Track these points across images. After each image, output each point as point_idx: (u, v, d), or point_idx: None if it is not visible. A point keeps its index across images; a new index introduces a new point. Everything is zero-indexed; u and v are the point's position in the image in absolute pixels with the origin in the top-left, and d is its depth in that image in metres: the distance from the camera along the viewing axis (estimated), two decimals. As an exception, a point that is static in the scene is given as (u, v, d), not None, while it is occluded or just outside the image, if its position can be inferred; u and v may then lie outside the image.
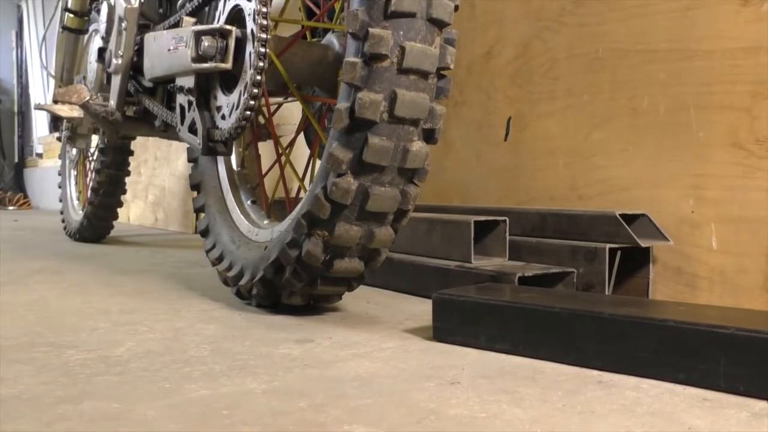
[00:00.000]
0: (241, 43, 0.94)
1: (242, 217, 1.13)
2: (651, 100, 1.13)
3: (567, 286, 1.03)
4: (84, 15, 1.73)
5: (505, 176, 1.38)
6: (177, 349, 0.77)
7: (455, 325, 0.80)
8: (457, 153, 1.49)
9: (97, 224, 2.04)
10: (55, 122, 2.13)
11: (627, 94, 1.16)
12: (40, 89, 4.97)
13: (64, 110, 1.55)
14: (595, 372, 0.68)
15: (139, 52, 1.20)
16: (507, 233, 1.13)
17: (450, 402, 0.59)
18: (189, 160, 1.29)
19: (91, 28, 1.64)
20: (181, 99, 1.06)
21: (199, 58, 0.96)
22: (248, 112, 0.93)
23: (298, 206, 0.93)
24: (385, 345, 0.80)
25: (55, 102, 1.59)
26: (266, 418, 0.54)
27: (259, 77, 0.90)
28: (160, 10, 1.25)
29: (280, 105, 1.39)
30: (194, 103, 1.02)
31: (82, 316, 0.95)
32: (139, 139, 2.64)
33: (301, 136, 1.25)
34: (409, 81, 0.81)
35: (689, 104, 1.07)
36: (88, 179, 2.13)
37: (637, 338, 0.66)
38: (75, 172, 2.27)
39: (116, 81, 1.26)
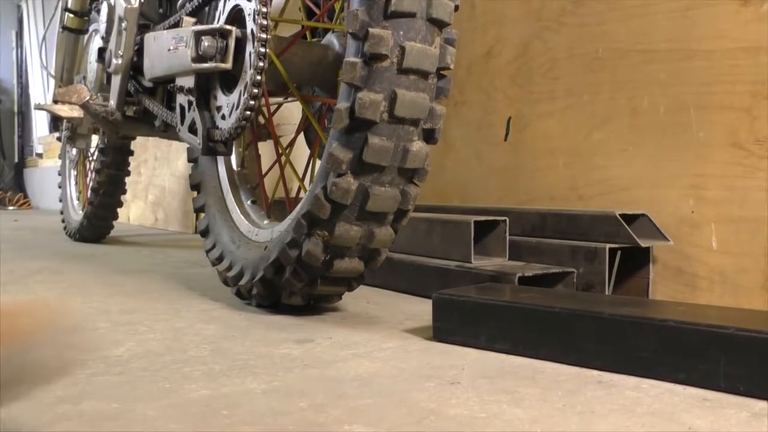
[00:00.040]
0: (241, 43, 0.94)
1: (242, 217, 1.13)
2: (651, 100, 1.13)
3: (567, 286, 1.03)
4: (84, 15, 1.73)
5: (505, 176, 1.38)
6: (177, 349, 0.77)
7: (455, 325, 0.80)
8: (457, 153, 1.49)
9: (97, 224, 2.04)
10: (55, 122, 2.13)
11: (627, 94, 1.16)
12: (40, 89, 4.97)
13: (64, 110, 1.55)
14: (595, 372, 0.68)
15: (139, 52, 1.20)
16: (507, 233, 1.13)
17: (450, 402, 0.59)
18: (189, 160, 1.29)
19: (91, 28, 1.64)
20: (181, 99, 1.06)
21: (199, 58, 0.96)
22: (248, 112, 0.93)
23: (298, 206, 0.93)
24: (385, 345, 0.80)
25: (55, 102, 1.59)
26: (266, 418, 0.54)
27: (259, 77, 0.90)
28: (160, 10, 1.25)
29: (280, 105, 1.39)
30: (194, 103, 1.02)
31: (82, 316, 0.95)
32: (139, 139, 2.64)
33: (301, 136, 1.25)
34: (409, 81, 0.81)
35: (689, 104, 1.07)
36: (88, 179, 2.13)
37: (637, 338, 0.66)
38: (75, 172, 2.27)
39: (116, 81, 1.26)
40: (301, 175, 1.21)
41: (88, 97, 1.38)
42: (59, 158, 2.39)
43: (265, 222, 1.11)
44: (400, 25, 0.80)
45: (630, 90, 1.16)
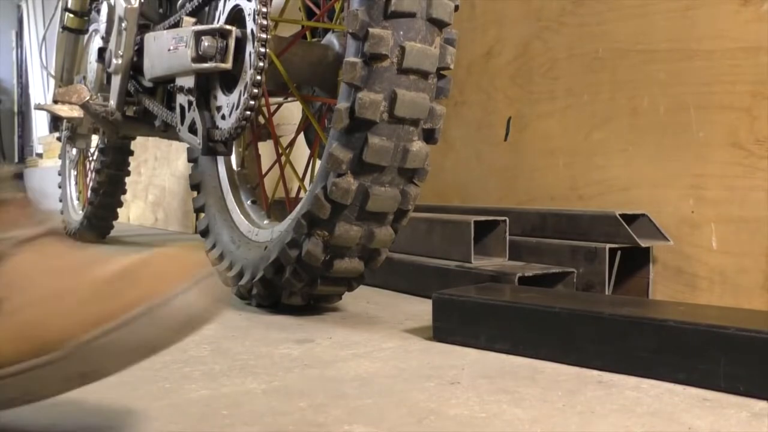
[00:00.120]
0: (241, 43, 0.94)
1: (242, 217, 1.13)
2: (651, 100, 1.13)
3: (567, 286, 1.03)
4: (84, 15, 1.73)
5: (505, 176, 1.38)
6: (177, 349, 0.76)
7: (455, 325, 0.80)
8: (457, 153, 1.49)
9: (97, 224, 2.04)
10: (55, 122, 2.13)
11: (627, 94, 1.16)
12: (40, 89, 4.97)
13: (64, 110, 1.55)
14: (595, 372, 0.68)
15: (139, 52, 1.20)
16: (507, 233, 1.13)
17: (450, 402, 0.59)
18: (189, 160, 1.29)
19: (91, 28, 1.64)
20: (181, 99, 1.06)
21: (199, 58, 0.96)
22: (248, 112, 0.93)
23: (298, 206, 0.93)
24: (385, 345, 0.80)
25: (55, 102, 1.59)
26: (266, 418, 0.54)
27: (259, 77, 0.90)
28: (160, 10, 1.25)
29: (280, 105, 1.39)
30: (194, 103, 1.02)
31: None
32: (139, 139, 2.64)
33: (301, 136, 1.25)
34: (409, 81, 0.81)
35: (689, 104, 1.07)
36: (88, 179, 2.13)
37: (637, 338, 0.66)
38: (75, 172, 2.27)
39: (116, 81, 1.26)
40: (301, 175, 1.21)
41: (88, 97, 1.38)
42: (59, 158, 2.39)
43: (265, 222, 1.11)
44: (400, 25, 0.80)
45: (630, 90, 1.16)
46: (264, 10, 0.90)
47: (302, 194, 1.07)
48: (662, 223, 1.08)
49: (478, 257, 1.11)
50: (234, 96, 0.96)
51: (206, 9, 1.08)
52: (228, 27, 0.94)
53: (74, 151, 2.22)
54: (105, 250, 0.47)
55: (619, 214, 1.07)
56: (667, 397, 0.61)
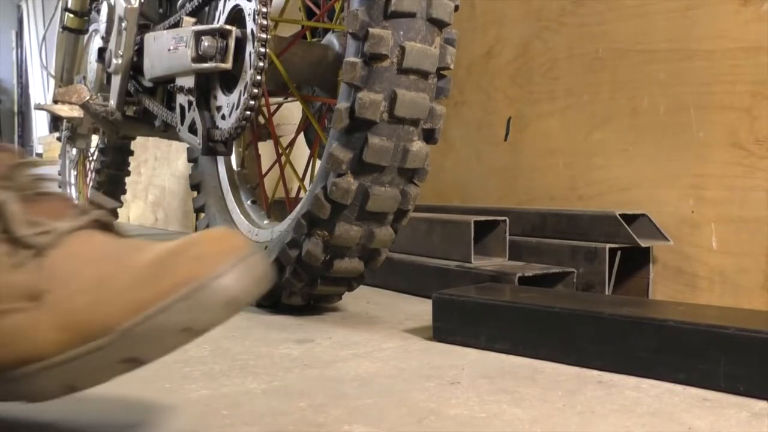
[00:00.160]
0: (241, 43, 0.94)
1: (242, 217, 1.13)
2: (651, 100, 1.13)
3: (567, 286, 1.03)
4: (84, 15, 1.73)
5: (505, 176, 1.38)
6: (177, 349, 0.76)
7: (455, 325, 0.80)
8: (457, 153, 1.49)
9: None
10: (55, 122, 2.13)
11: (627, 94, 1.16)
12: (40, 89, 4.97)
13: (64, 110, 1.54)
14: (595, 372, 0.68)
15: (139, 52, 1.20)
16: (507, 233, 1.13)
17: (450, 402, 0.59)
18: (189, 160, 1.29)
19: (91, 28, 1.64)
20: (181, 99, 1.06)
21: (199, 58, 0.96)
22: (248, 112, 0.93)
23: (298, 206, 0.93)
24: (385, 345, 0.80)
25: (55, 102, 1.59)
26: (266, 418, 0.54)
27: (259, 77, 0.90)
28: (160, 10, 1.25)
29: (280, 105, 1.39)
30: (194, 103, 1.02)
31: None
32: (139, 139, 2.64)
33: (301, 136, 1.25)
34: (409, 81, 0.81)
35: (689, 104, 1.07)
36: (88, 179, 2.13)
37: (637, 338, 0.66)
38: (75, 172, 2.27)
39: (116, 81, 1.26)
40: (301, 175, 1.21)
41: (88, 97, 1.38)
42: (59, 158, 2.38)
43: (265, 222, 1.11)
44: (400, 25, 0.80)
45: (630, 90, 1.16)
46: (264, 10, 0.90)
47: (302, 194, 1.07)
48: (662, 223, 1.08)
49: (478, 257, 1.11)
50: (234, 96, 0.96)
51: (206, 9, 1.08)
52: (228, 27, 0.94)
53: (74, 151, 2.22)
54: (144, 239, 0.47)
55: (619, 214, 1.07)
56: (667, 397, 0.61)
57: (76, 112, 1.53)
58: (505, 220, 1.14)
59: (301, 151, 1.48)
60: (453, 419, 0.54)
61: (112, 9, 1.28)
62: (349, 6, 0.86)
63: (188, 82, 1.02)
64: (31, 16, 5.16)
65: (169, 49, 1.05)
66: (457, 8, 0.85)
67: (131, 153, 2.00)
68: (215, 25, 0.96)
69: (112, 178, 1.96)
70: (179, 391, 0.61)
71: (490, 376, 0.67)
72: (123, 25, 1.22)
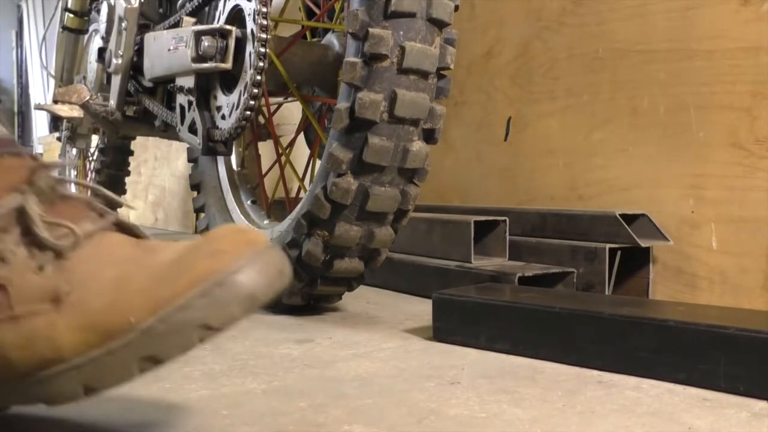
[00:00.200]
0: (241, 43, 0.94)
1: (242, 217, 1.13)
2: (651, 100, 1.13)
3: (567, 286, 1.03)
4: (84, 15, 1.73)
5: (505, 176, 1.38)
6: (177, 349, 0.76)
7: (455, 325, 0.80)
8: (457, 153, 1.49)
9: (97, 224, 2.03)
10: (55, 122, 2.13)
11: (627, 94, 1.16)
12: (40, 89, 4.96)
13: (64, 110, 1.54)
14: (595, 372, 0.68)
15: (139, 52, 1.20)
16: (507, 233, 1.13)
17: (450, 402, 0.59)
18: (189, 160, 1.29)
19: (91, 28, 1.64)
20: (181, 99, 1.06)
21: (199, 58, 0.96)
22: (248, 112, 0.93)
23: (298, 206, 0.93)
24: (385, 345, 0.80)
25: (55, 102, 1.59)
26: (266, 418, 0.54)
27: (259, 77, 0.90)
28: (160, 10, 1.25)
29: (280, 105, 1.39)
30: (194, 103, 1.02)
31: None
32: (139, 139, 2.64)
33: (301, 136, 1.25)
34: (409, 81, 0.81)
35: (689, 104, 1.07)
36: (88, 179, 2.13)
37: (637, 338, 0.66)
38: (75, 172, 2.27)
39: (116, 81, 1.26)
40: (301, 175, 1.21)
41: (88, 97, 1.38)
42: (59, 158, 2.38)
43: (265, 222, 1.11)
44: (400, 25, 0.80)
45: (630, 90, 1.16)
46: (264, 10, 0.90)
47: (302, 194, 1.07)
48: (662, 223, 1.08)
49: (478, 257, 1.11)
50: (234, 96, 0.96)
51: (206, 9, 1.08)
52: (228, 27, 0.94)
53: (74, 151, 2.22)
54: (163, 239, 0.47)
55: (619, 214, 1.07)
56: (667, 397, 0.61)
57: (76, 112, 1.53)
58: (505, 220, 1.14)
59: (301, 151, 1.48)
60: (453, 419, 0.54)
61: (112, 9, 1.28)
62: (349, 6, 0.86)
63: (188, 82, 1.03)
64: (31, 16, 5.16)
65: (169, 49, 1.05)
66: (457, 8, 0.85)
67: (131, 153, 2.00)
68: (215, 25, 0.96)
69: (112, 178, 1.95)
70: (179, 391, 0.61)
71: (490, 376, 0.67)
72: (123, 25, 1.22)
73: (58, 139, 2.22)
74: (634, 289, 1.09)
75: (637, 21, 1.15)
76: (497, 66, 1.41)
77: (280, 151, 1.17)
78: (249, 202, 1.17)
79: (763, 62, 0.99)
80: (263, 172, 1.21)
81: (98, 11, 1.39)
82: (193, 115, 1.03)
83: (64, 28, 1.77)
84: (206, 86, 1.02)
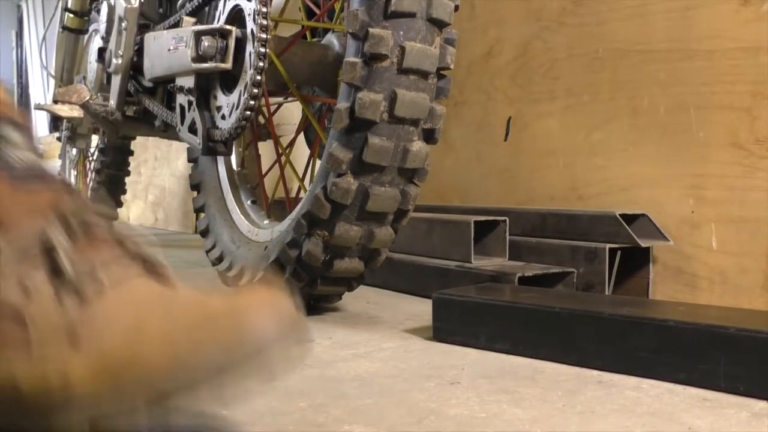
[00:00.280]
0: (241, 43, 0.94)
1: (242, 217, 1.13)
2: (651, 100, 1.13)
3: (567, 286, 1.03)
4: (84, 15, 1.73)
5: (505, 176, 1.38)
6: (177, 349, 0.76)
7: (455, 325, 0.80)
8: (457, 153, 1.49)
9: (97, 224, 2.03)
10: (55, 122, 2.13)
11: (627, 94, 1.16)
12: (40, 89, 4.96)
13: (64, 110, 1.54)
14: (595, 372, 0.68)
15: (139, 52, 1.20)
16: (507, 233, 1.13)
17: (450, 402, 0.59)
18: (189, 160, 1.29)
19: (91, 28, 1.64)
20: (181, 99, 1.06)
21: (199, 58, 0.96)
22: (248, 112, 0.93)
23: (298, 206, 0.93)
24: (385, 345, 0.80)
25: (55, 102, 1.59)
26: (266, 418, 0.54)
27: (259, 77, 0.90)
28: (160, 10, 1.25)
29: (280, 105, 1.39)
30: (194, 103, 1.02)
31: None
32: (139, 139, 2.63)
33: (301, 136, 1.25)
34: (409, 81, 0.81)
35: (689, 104, 1.07)
36: (88, 179, 2.13)
37: (637, 338, 0.66)
38: (75, 172, 2.27)
39: (116, 81, 1.26)
40: (301, 175, 1.21)
41: (88, 97, 1.38)
42: (59, 158, 2.38)
43: (265, 222, 1.11)
44: (400, 25, 0.80)
45: (630, 90, 1.16)
46: (264, 10, 0.90)
47: (302, 194, 1.07)
48: (662, 223, 1.08)
49: (478, 257, 1.11)
50: (234, 96, 0.96)
51: (206, 9, 1.08)
52: (228, 27, 0.94)
53: (74, 151, 2.22)
54: (190, 285, 0.48)
55: (619, 214, 1.07)
56: (667, 397, 0.61)
57: (76, 112, 1.52)
58: (505, 220, 1.14)
59: (301, 151, 1.48)
60: (453, 419, 0.54)
61: (112, 9, 1.28)
62: (349, 6, 0.86)
63: (188, 82, 1.02)
64: (31, 16, 5.16)
65: (169, 49, 1.05)
66: (457, 8, 0.85)
67: (131, 153, 2.00)
68: (215, 25, 0.96)
69: (112, 178, 1.96)
70: (179, 391, 0.61)
71: (490, 376, 0.67)
72: (123, 25, 1.22)
73: (58, 139, 2.22)
74: (634, 289, 1.09)
75: (637, 21, 1.15)
76: (497, 66, 1.41)
77: (280, 151, 1.17)
78: (249, 202, 1.17)
79: (763, 62, 0.99)
80: (263, 172, 1.21)
81: (98, 11, 1.39)
82: (193, 115, 1.03)
83: (64, 28, 1.77)
84: (206, 86, 1.02)
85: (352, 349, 0.78)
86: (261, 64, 0.90)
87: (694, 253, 1.06)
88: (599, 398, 0.60)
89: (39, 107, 1.72)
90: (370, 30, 0.79)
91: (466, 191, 1.47)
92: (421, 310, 1.02)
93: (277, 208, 1.23)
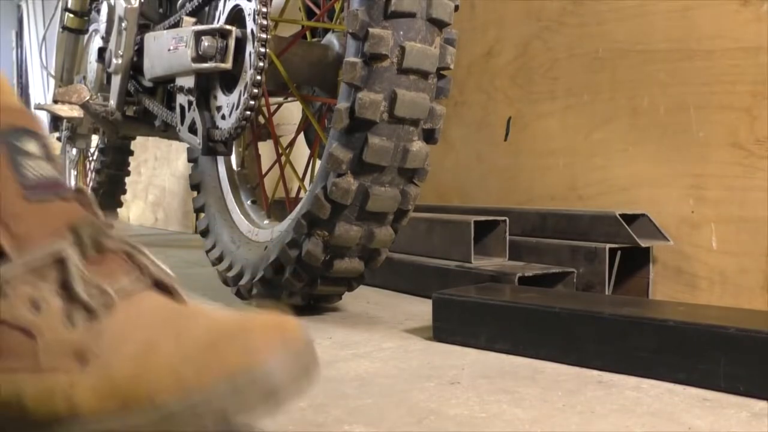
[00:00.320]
0: (241, 43, 0.94)
1: (242, 217, 1.13)
2: (651, 100, 1.13)
3: (567, 286, 1.03)
4: (84, 15, 1.73)
5: (505, 176, 1.38)
6: (177, 349, 0.76)
7: (455, 325, 0.80)
8: (457, 153, 1.49)
9: (97, 224, 2.03)
10: (55, 122, 2.13)
11: (627, 94, 1.16)
12: (40, 89, 4.96)
13: (64, 110, 1.54)
14: (595, 372, 0.68)
15: (139, 52, 1.20)
16: (507, 233, 1.13)
17: (450, 402, 0.59)
18: (189, 160, 1.29)
19: (91, 28, 1.64)
20: (181, 99, 1.06)
21: (199, 58, 0.96)
22: (248, 112, 0.93)
23: (298, 206, 0.93)
24: (385, 345, 0.80)
25: (55, 102, 1.59)
26: (266, 417, 0.54)
27: (259, 77, 0.90)
28: (160, 10, 1.25)
29: (280, 105, 1.39)
30: (194, 103, 1.02)
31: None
32: (139, 139, 2.64)
33: (301, 136, 1.25)
34: (409, 81, 0.81)
35: (689, 104, 1.07)
36: (88, 179, 2.13)
37: (637, 338, 0.66)
38: (75, 172, 2.27)
39: (116, 81, 1.26)
40: (301, 175, 1.21)
41: (88, 97, 1.38)
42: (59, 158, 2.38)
43: (265, 222, 1.11)
44: (400, 25, 0.80)
45: (630, 90, 1.16)
46: (264, 10, 0.90)
47: (302, 194, 1.07)
48: (662, 223, 1.08)
49: (478, 257, 1.11)
50: (234, 96, 0.96)
51: (206, 9, 1.08)
52: (228, 27, 0.94)
53: (74, 151, 2.22)
54: (200, 303, 0.48)
55: (619, 214, 1.07)
56: (667, 397, 0.61)
57: (76, 112, 1.52)
58: (505, 220, 1.14)
59: (301, 151, 1.48)
60: (453, 419, 0.54)
61: (112, 9, 1.28)
62: (349, 6, 0.86)
63: (188, 82, 1.02)
64: (31, 16, 5.16)
65: (169, 49, 1.05)
66: (457, 8, 0.85)
67: (131, 153, 2.00)
68: (215, 25, 0.96)
69: (112, 178, 1.96)
70: (179, 391, 0.61)
71: (490, 376, 0.67)
72: (123, 25, 1.22)
73: (58, 139, 2.22)
74: (634, 289, 1.09)
75: (637, 21, 1.15)
76: (497, 66, 1.41)
77: (280, 151, 1.17)
78: (249, 202, 1.17)
79: (763, 62, 0.99)
80: (263, 172, 1.21)
81: (98, 11, 1.39)
82: (193, 115, 1.03)
83: (64, 28, 1.77)
84: (206, 86, 1.02)
85: (352, 349, 0.78)
86: (261, 64, 0.90)
87: (694, 253, 1.06)
88: (599, 398, 0.60)
89: (39, 107, 1.72)
90: (370, 30, 0.79)
91: (466, 191, 1.47)
92: (421, 310, 1.02)
93: (277, 208, 1.23)
